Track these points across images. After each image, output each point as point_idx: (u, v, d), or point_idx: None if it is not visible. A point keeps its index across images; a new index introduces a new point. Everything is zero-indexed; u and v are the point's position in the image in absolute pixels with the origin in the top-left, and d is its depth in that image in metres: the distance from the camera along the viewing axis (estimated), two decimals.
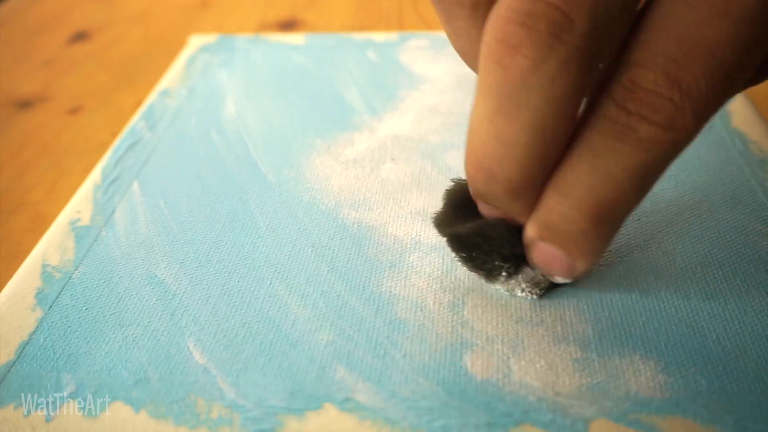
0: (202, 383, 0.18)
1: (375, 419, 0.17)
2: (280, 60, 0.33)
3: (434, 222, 0.20)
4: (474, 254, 0.19)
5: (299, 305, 0.20)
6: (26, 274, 0.21)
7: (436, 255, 0.21)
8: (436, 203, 0.23)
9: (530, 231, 0.17)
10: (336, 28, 0.39)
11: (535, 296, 0.19)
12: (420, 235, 0.22)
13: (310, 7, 0.42)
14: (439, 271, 0.21)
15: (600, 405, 0.16)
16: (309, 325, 0.19)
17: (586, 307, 0.19)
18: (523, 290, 0.19)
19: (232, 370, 0.18)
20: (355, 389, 0.17)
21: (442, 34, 0.35)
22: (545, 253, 0.17)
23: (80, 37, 0.40)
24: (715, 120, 0.26)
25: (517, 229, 0.18)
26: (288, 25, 0.40)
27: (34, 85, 0.35)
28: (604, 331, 0.18)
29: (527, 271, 0.19)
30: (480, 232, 0.19)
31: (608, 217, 0.16)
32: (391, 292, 0.20)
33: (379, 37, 0.35)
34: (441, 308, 0.19)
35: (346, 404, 0.17)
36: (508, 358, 0.18)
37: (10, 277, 0.22)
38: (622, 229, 0.21)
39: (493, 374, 0.17)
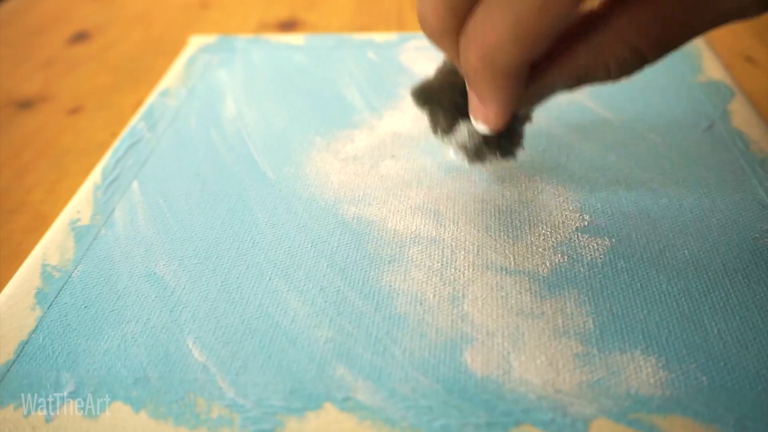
0: (201, 382, 0.18)
1: (375, 419, 0.16)
2: (280, 60, 0.33)
3: (412, 87, 0.23)
4: (426, 103, 0.22)
5: (298, 301, 0.20)
6: (26, 273, 0.21)
7: (436, 248, 0.21)
8: (436, 198, 0.23)
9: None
10: (336, 29, 0.39)
11: (464, 160, 0.22)
12: (420, 229, 0.22)
13: (310, 7, 0.42)
14: (439, 264, 0.21)
15: (600, 403, 0.16)
16: (308, 322, 0.19)
17: (587, 299, 0.19)
18: (455, 152, 0.22)
19: (231, 368, 0.18)
20: (354, 388, 0.17)
21: None
22: (471, 97, 0.20)
23: (80, 37, 0.40)
24: (716, 120, 0.26)
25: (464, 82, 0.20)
26: (288, 26, 0.40)
27: (34, 86, 0.35)
28: (605, 324, 0.18)
29: (462, 132, 0.21)
30: (433, 84, 0.21)
31: (493, 60, 0.18)
32: (390, 286, 0.20)
33: (379, 37, 0.35)
34: (441, 301, 0.19)
35: (346, 403, 0.17)
36: (509, 353, 0.18)
37: (10, 276, 0.22)
38: (624, 219, 0.21)
39: (494, 371, 0.17)
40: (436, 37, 0.19)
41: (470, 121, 0.20)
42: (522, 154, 0.23)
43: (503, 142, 0.22)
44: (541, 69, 0.20)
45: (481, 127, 0.21)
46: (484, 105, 0.20)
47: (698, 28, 0.18)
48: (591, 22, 0.19)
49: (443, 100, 0.22)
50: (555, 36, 0.17)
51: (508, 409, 0.16)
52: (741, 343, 0.17)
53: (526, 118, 0.22)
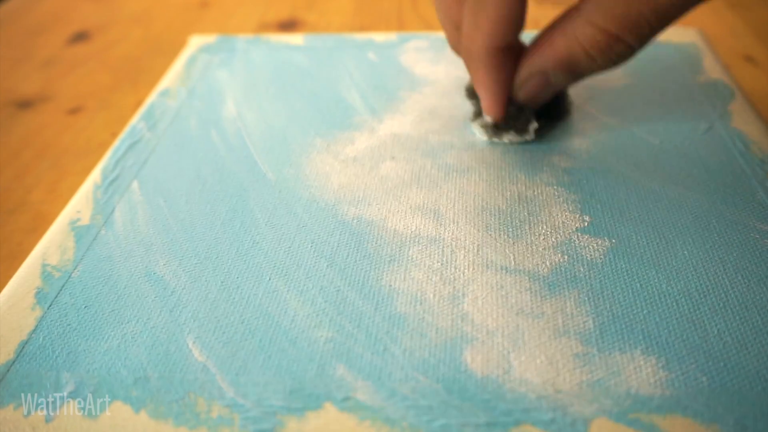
0: (201, 382, 0.18)
1: (375, 419, 0.16)
2: (280, 60, 0.33)
3: (468, 85, 0.28)
4: (472, 96, 0.28)
5: (298, 301, 0.20)
6: (26, 273, 0.21)
7: (436, 247, 0.21)
8: (435, 198, 0.23)
9: None
10: (336, 29, 0.39)
11: (483, 137, 0.26)
12: (420, 229, 0.22)
13: (310, 7, 0.42)
14: (439, 264, 0.21)
15: (600, 403, 0.16)
16: (308, 322, 0.19)
17: (587, 299, 0.19)
18: (477, 130, 0.26)
19: (231, 368, 0.18)
20: (354, 388, 0.17)
21: (442, 35, 0.35)
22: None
23: (80, 37, 0.40)
24: (716, 120, 0.26)
25: None
26: (288, 26, 0.40)
27: (34, 85, 0.35)
28: (605, 324, 0.18)
29: (486, 117, 0.26)
30: None
31: (471, 51, 0.23)
32: (390, 286, 0.20)
33: (379, 37, 0.35)
34: (441, 301, 0.19)
35: (346, 403, 0.17)
36: (509, 353, 0.18)
37: (10, 277, 0.22)
38: (624, 220, 0.21)
39: (493, 370, 0.17)
40: (456, 50, 0.25)
41: None
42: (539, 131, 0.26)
43: (517, 124, 0.25)
44: (526, 59, 0.23)
45: (486, 116, 0.25)
46: (481, 96, 0.24)
47: (663, 5, 0.19)
48: (568, 14, 0.22)
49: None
50: (511, 24, 0.22)
51: (508, 409, 0.16)
52: (741, 343, 0.18)
53: (529, 107, 0.26)
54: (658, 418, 0.16)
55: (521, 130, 0.26)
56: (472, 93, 0.28)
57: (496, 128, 0.26)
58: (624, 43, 0.20)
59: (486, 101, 0.24)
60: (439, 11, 0.24)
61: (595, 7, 0.20)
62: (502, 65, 0.23)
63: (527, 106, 0.25)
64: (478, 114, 0.27)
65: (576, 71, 0.22)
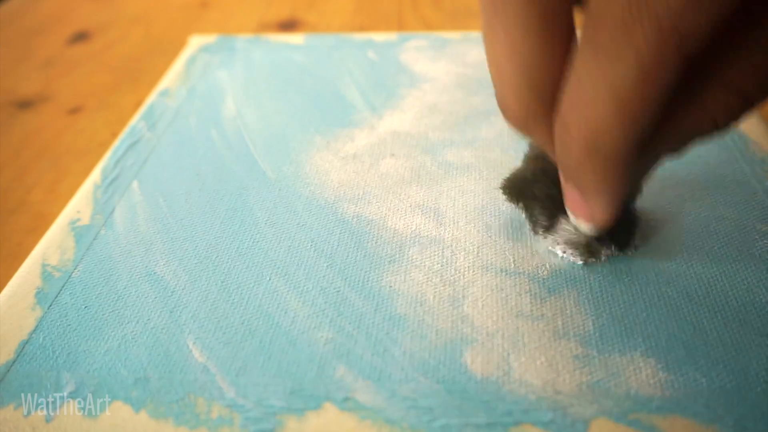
0: (201, 382, 0.18)
1: (375, 419, 0.16)
2: (280, 60, 0.33)
3: (504, 182, 0.21)
4: (520, 198, 0.19)
5: (298, 302, 0.20)
6: (26, 273, 0.21)
7: (436, 248, 0.21)
8: (436, 197, 0.23)
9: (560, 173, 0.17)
10: (336, 29, 0.39)
11: (576, 260, 0.18)
12: (419, 229, 0.22)
13: (310, 7, 0.42)
14: (439, 265, 0.21)
15: (600, 404, 0.16)
16: (308, 323, 0.19)
17: (586, 300, 0.19)
18: (564, 251, 0.19)
19: (231, 368, 0.18)
20: (354, 388, 0.17)
21: (441, 35, 0.35)
22: (568, 194, 0.17)
23: (80, 37, 0.40)
24: None
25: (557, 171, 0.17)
26: (288, 25, 0.40)
27: (34, 85, 0.35)
28: (604, 326, 0.18)
29: (566, 228, 0.18)
30: (524, 175, 0.19)
31: (598, 147, 0.15)
32: (390, 287, 0.20)
33: (379, 37, 0.35)
34: (441, 303, 0.19)
35: (346, 404, 0.17)
36: (508, 354, 0.18)
37: (10, 277, 0.22)
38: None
39: (493, 372, 0.17)
40: (521, 125, 0.17)
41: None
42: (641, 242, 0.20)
43: (616, 235, 0.19)
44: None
45: (584, 225, 0.18)
46: (588, 200, 0.17)
47: None
48: (684, 81, 0.15)
49: (538, 193, 0.19)
50: (663, 105, 0.14)
51: (508, 409, 0.16)
52: (740, 345, 0.18)
53: (635, 195, 0.20)
54: (658, 419, 0.16)
55: (625, 242, 0.19)
56: (519, 192, 0.20)
57: (595, 244, 0.19)
58: (755, 104, 0.16)
59: (598, 209, 0.17)
60: (509, 62, 0.16)
61: (740, 73, 0.16)
62: (634, 161, 0.16)
63: (632, 207, 0.20)
64: (547, 225, 0.20)
65: (690, 141, 0.17)
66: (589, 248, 0.19)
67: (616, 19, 0.13)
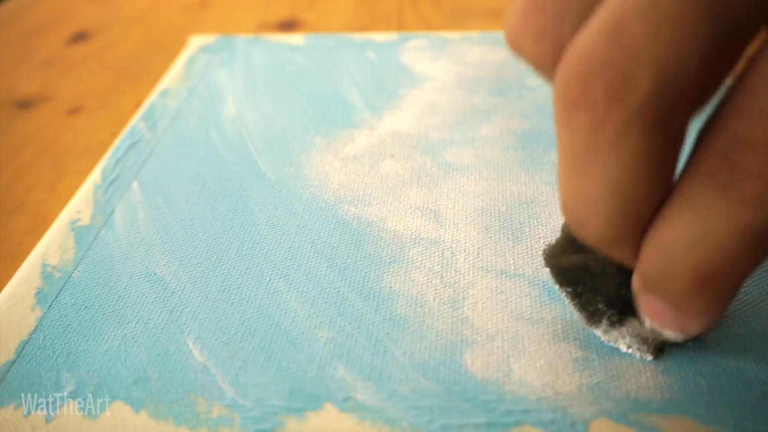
0: (201, 382, 0.18)
1: (375, 419, 0.16)
2: (280, 60, 0.33)
3: (544, 253, 0.19)
4: (578, 290, 0.18)
5: (298, 302, 0.20)
6: (26, 273, 0.21)
7: (436, 249, 0.21)
8: (436, 198, 0.23)
9: (635, 280, 0.16)
10: (336, 29, 0.39)
11: (644, 356, 0.17)
12: (420, 230, 0.22)
13: (310, 7, 0.42)
14: (439, 266, 0.21)
15: (600, 405, 0.16)
16: (308, 323, 0.19)
17: None
18: (628, 346, 0.17)
19: (231, 368, 0.18)
20: (354, 388, 0.17)
21: (441, 35, 0.35)
22: (652, 304, 0.16)
23: (80, 37, 0.40)
24: None
25: (629, 271, 0.16)
26: (288, 26, 0.40)
27: (34, 85, 0.35)
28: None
29: (634, 324, 0.17)
30: (585, 266, 0.18)
31: (714, 281, 0.14)
32: (390, 288, 0.20)
33: (379, 37, 0.35)
34: (441, 304, 0.19)
35: (346, 404, 0.17)
36: (509, 356, 0.18)
37: (10, 277, 0.22)
38: None
39: (494, 373, 0.17)
40: (603, 246, 0.15)
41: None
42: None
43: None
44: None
45: (671, 334, 0.16)
46: (685, 318, 0.15)
47: None
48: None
49: (605, 289, 0.18)
50: None
51: (508, 410, 0.16)
52: (739, 347, 0.18)
53: None
54: (658, 419, 0.16)
55: (699, 337, 0.18)
56: (579, 280, 0.18)
57: (663, 343, 0.18)
58: None
59: (696, 326, 0.16)
60: (604, 198, 0.14)
61: None
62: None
63: None
64: (616, 323, 0.18)
65: None
66: (661, 347, 0.18)
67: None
